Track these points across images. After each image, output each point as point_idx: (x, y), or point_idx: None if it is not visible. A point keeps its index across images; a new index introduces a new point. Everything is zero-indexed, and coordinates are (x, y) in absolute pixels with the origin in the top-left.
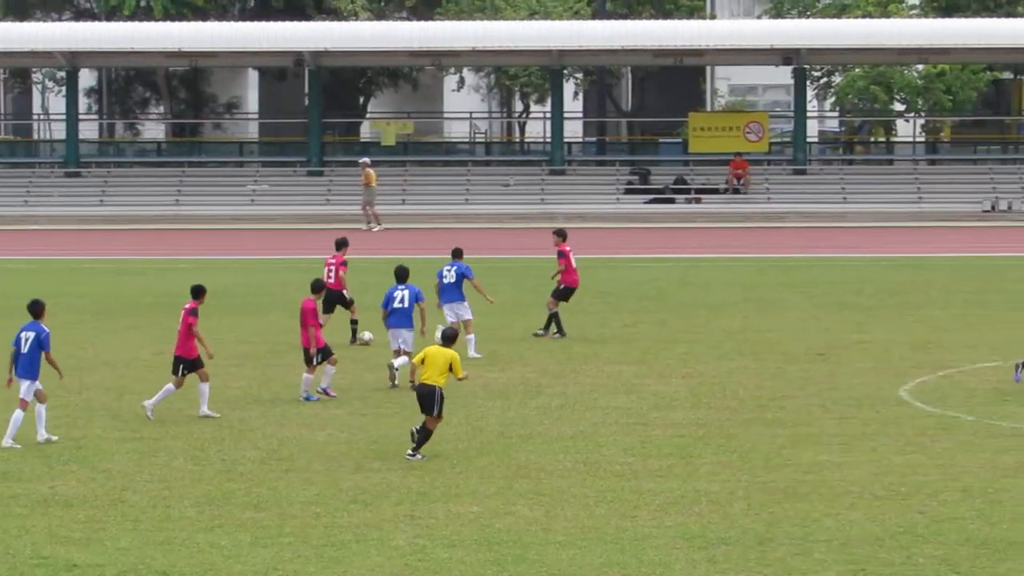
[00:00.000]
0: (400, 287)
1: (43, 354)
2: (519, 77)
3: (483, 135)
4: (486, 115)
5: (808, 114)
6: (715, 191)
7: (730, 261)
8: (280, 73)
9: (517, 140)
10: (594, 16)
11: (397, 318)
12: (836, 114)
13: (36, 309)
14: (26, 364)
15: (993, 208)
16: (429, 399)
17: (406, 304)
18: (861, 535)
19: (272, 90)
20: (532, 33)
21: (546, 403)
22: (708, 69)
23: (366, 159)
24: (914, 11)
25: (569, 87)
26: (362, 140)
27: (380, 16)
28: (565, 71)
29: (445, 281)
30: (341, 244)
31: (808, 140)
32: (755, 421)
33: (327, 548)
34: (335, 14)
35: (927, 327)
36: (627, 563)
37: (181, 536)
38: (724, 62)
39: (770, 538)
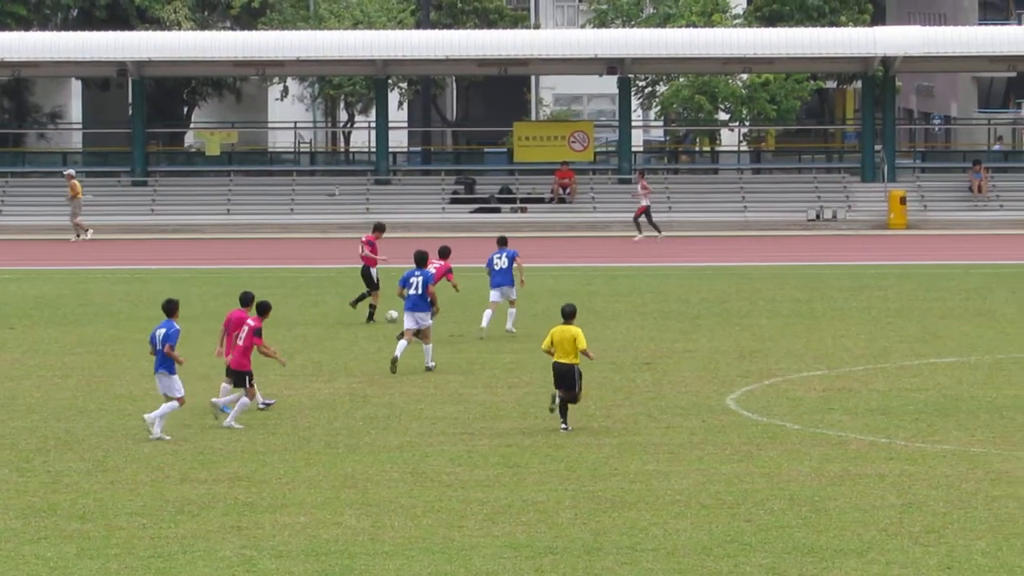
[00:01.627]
0: (417, 272)
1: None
2: (343, 87)
3: (308, 145)
4: (311, 125)
5: (633, 123)
6: (540, 200)
7: (556, 270)
8: (103, 83)
9: (342, 150)
10: (418, 26)
11: (411, 301)
12: (661, 123)
13: (170, 307)
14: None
15: (818, 217)
16: (569, 376)
17: (419, 289)
18: (688, 544)
19: (96, 100)
20: (356, 43)
21: (373, 413)
22: (533, 79)
23: (71, 171)
24: (738, 21)
25: (394, 97)
26: (186, 150)
27: (203, 26)
28: (390, 81)
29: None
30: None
31: (633, 149)
32: (582, 430)
33: (154, 560)
34: (158, 24)
35: (753, 336)
36: (454, 573)
37: (7, 548)
38: (549, 71)
39: (597, 547)
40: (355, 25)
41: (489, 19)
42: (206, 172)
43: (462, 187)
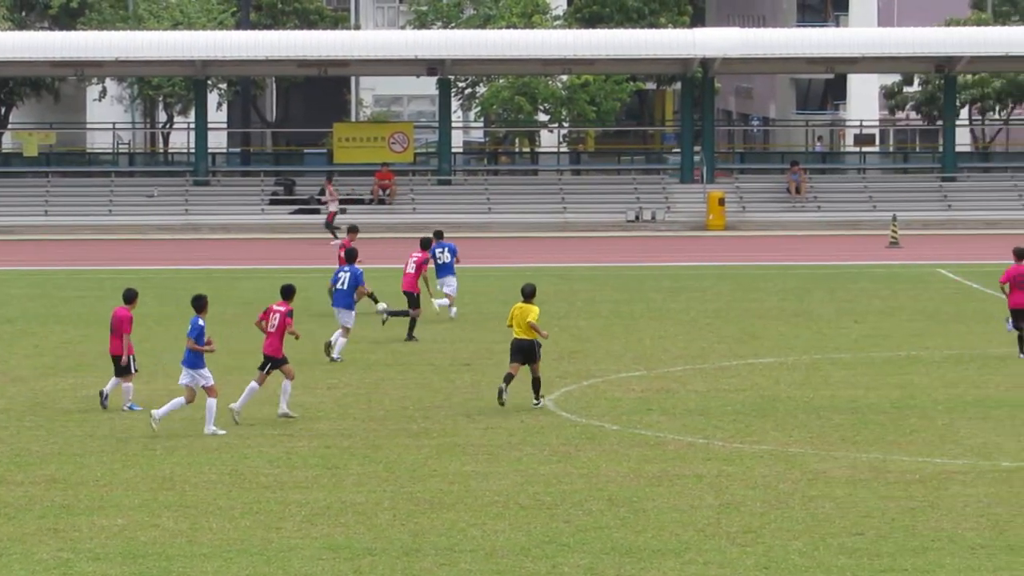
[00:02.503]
0: (344, 269)
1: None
2: (163, 88)
3: (126, 146)
4: (129, 126)
5: (453, 124)
6: (360, 201)
7: (375, 272)
8: None
9: (161, 151)
10: (238, 26)
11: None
12: (481, 125)
13: (200, 304)
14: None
15: (637, 218)
16: (529, 350)
17: (345, 285)
18: (507, 545)
19: None
20: (175, 43)
21: (191, 414)
22: (353, 80)
23: None
24: (558, 22)
25: (213, 98)
26: (3, 151)
27: (21, 26)
28: (209, 81)
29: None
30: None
31: (453, 150)
32: (401, 432)
33: None
34: None
35: (572, 337)
36: (273, 575)
37: None
38: (369, 72)
39: (416, 548)
40: (175, 26)
41: (309, 20)
42: (24, 173)
43: (282, 188)
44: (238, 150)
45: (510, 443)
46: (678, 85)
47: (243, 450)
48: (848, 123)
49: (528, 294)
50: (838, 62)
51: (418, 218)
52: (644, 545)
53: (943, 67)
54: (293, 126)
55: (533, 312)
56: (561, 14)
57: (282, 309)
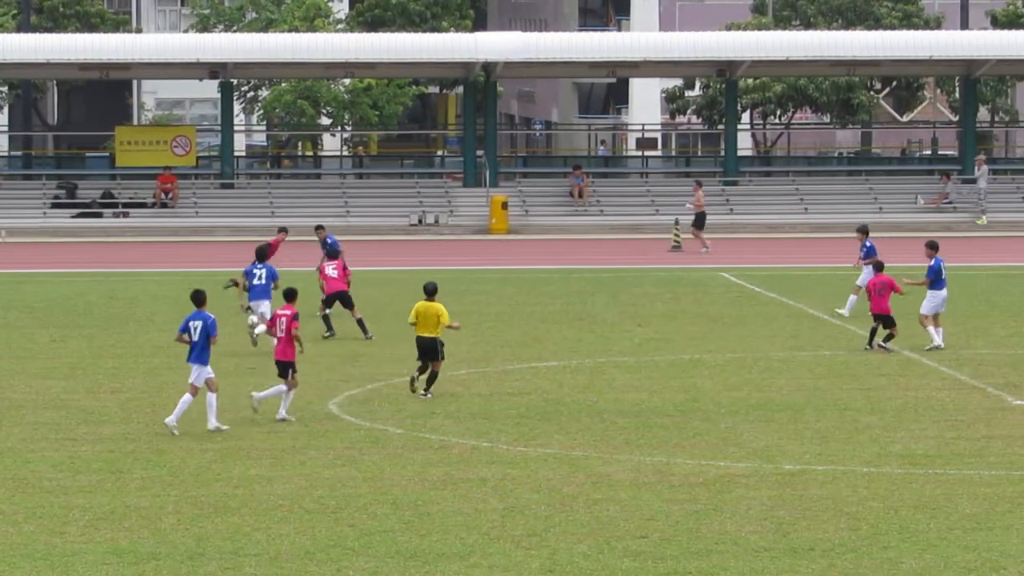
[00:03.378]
0: (258, 266)
1: (211, 340)
2: None
3: None
4: None
5: (235, 128)
6: (143, 205)
7: (158, 275)
8: None
9: None
10: (19, 29)
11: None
12: (264, 128)
13: (199, 298)
14: (197, 351)
15: (420, 222)
16: (431, 349)
17: (264, 280)
18: (291, 549)
19: None
20: None
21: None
22: (135, 83)
23: None
24: (340, 26)
25: None
26: None
27: None
28: None
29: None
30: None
31: (236, 154)
32: (185, 435)
33: None
34: None
35: (356, 341)
36: None
37: None
38: (150, 76)
39: (200, 552)
40: None
41: (91, 23)
42: None
43: (64, 192)
44: (19, 153)
45: (294, 447)
46: (461, 89)
47: (26, 455)
48: (630, 127)
49: (431, 292)
50: (620, 66)
51: (200, 221)
52: (429, 549)
53: (724, 71)
54: (75, 129)
55: (444, 314)
56: (343, 18)
57: (287, 313)
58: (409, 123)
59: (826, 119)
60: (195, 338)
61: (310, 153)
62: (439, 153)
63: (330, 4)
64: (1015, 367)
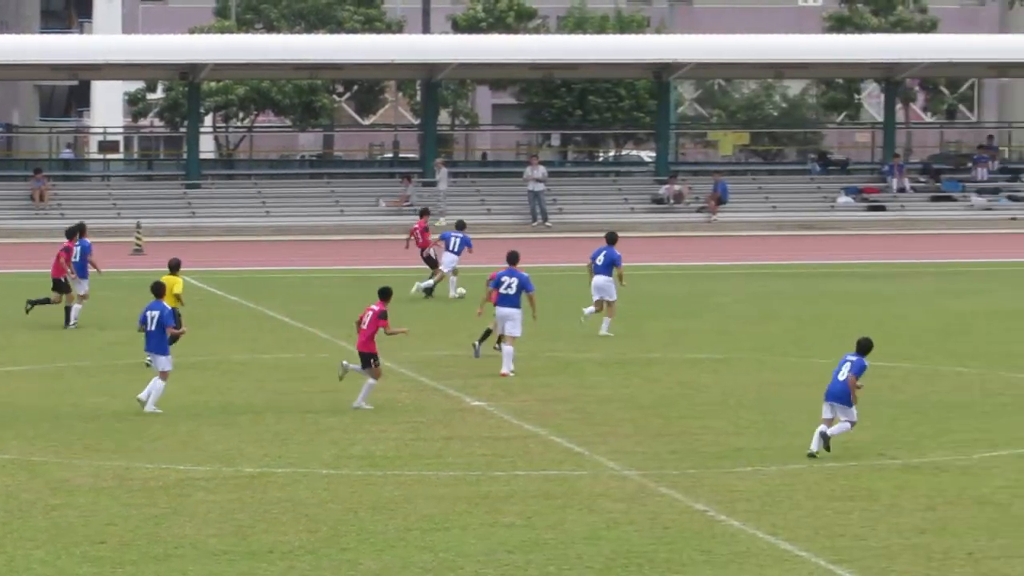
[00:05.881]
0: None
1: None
2: None
3: None
4: None
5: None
6: None
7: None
8: None
9: None
10: None
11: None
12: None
13: (158, 290)
14: (155, 341)
15: None
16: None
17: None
18: None
19: None
20: None
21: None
22: None
23: None
24: None
25: None
26: None
27: None
28: None
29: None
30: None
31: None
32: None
33: None
34: None
35: None
36: None
37: None
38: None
39: None
40: None
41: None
42: None
43: None
44: None
45: None
46: None
47: None
48: (92, 130)
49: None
50: (82, 69)
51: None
52: None
53: (187, 74)
54: None
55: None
56: None
57: (375, 308)
58: None
59: (289, 122)
60: (151, 328)
61: None
62: None
63: None
64: (473, 368)
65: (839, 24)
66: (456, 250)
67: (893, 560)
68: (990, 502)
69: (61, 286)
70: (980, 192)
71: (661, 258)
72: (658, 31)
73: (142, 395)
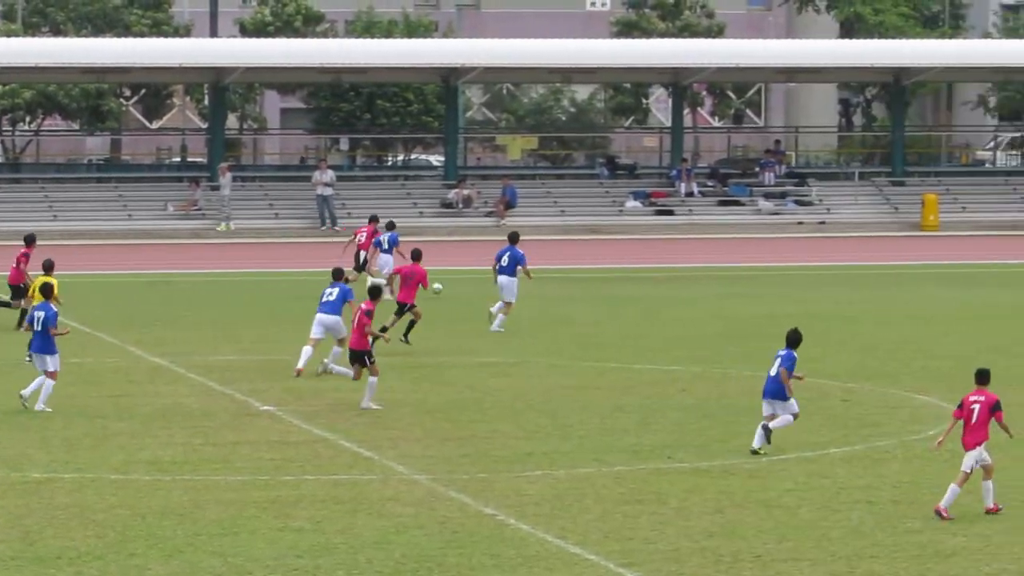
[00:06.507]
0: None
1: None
2: None
3: None
4: None
5: None
6: None
7: None
8: None
9: None
10: None
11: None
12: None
13: (46, 291)
14: (39, 341)
15: None
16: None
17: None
18: None
19: None
20: None
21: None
22: None
23: None
24: None
25: None
26: None
27: None
28: None
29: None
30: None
31: None
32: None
33: None
34: None
35: None
36: None
37: None
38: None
39: None
40: None
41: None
42: None
43: None
44: None
45: None
46: None
47: None
48: None
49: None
50: None
51: None
52: None
53: None
54: None
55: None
56: None
57: (363, 307)
58: None
59: (76, 126)
60: (37, 328)
61: None
62: None
63: None
64: (261, 372)
65: (627, 29)
66: (388, 249)
67: (682, 563)
68: (778, 505)
69: None
70: (767, 196)
71: (451, 262)
72: (446, 35)
73: (25, 392)
